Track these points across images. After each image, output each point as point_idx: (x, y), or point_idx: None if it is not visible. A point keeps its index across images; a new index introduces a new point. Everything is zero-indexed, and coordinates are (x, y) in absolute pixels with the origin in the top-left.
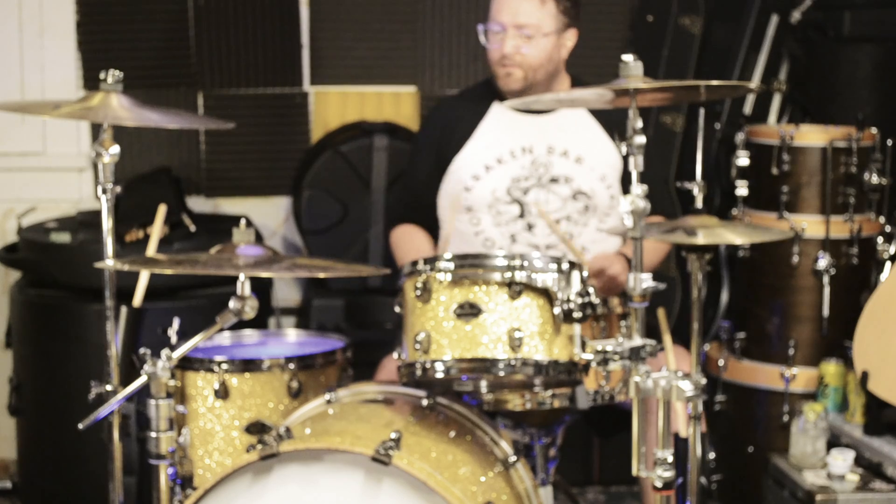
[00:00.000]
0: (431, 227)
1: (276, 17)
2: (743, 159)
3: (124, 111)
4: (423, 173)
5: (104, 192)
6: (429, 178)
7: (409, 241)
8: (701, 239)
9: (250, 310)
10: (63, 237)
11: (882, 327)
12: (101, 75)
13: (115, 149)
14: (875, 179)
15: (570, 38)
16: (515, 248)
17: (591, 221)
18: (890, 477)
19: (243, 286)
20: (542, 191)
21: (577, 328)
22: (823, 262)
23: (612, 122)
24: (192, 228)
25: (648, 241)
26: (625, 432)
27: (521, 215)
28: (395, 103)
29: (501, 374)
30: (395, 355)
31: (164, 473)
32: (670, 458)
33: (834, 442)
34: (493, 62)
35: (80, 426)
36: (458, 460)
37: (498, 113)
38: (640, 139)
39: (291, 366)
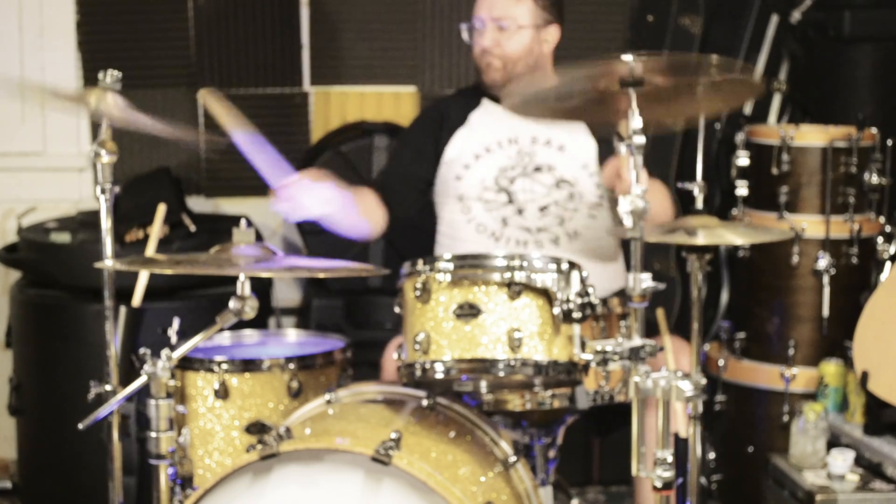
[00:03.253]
0: (393, 212)
1: (276, 17)
2: (743, 159)
3: (118, 111)
4: (410, 148)
5: (104, 192)
6: (416, 151)
7: (367, 198)
8: (701, 239)
9: (250, 310)
10: (63, 237)
11: (882, 327)
12: (100, 75)
13: (115, 148)
14: (875, 179)
15: (553, 33)
16: (507, 232)
17: (581, 207)
18: (890, 477)
19: (243, 286)
20: (527, 180)
21: (576, 328)
22: (823, 262)
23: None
24: (192, 228)
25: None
26: (624, 430)
27: (510, 201)
28: (395, 103)
29: (501, 374)
30: (395, 355)
31: (164, 473)
32: (670, 458)
33: (834, 442)
34: (475, 57)
35: (80, 426)
36: (458, 460)
37: (487, 106)
38: (640, 139)
39: (291, 366)
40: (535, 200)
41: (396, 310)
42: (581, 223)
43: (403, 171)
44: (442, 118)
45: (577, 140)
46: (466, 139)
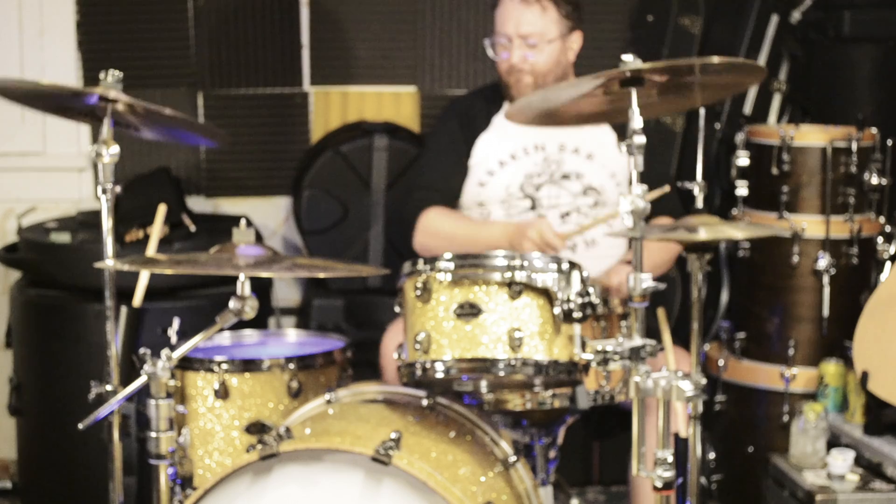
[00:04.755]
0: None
1: (276, 17)
2: (743, 159)
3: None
4: (447, 160)
5: (104, 192)
6: (453, 163)
7: (452, 215)
8: (703, 235)
9: (250, 310)
10: (63, 237)
11: (882, 327)
12: (101, 75)
13: (115, 149)
14: (875, 179)
15: (576, 40)
16: None
17: (601, 216)
18: (890, 477)
19: (243, 286)
20: (554, 187)
21: (577, 328)
22: (823, 262)
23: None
24: (192, 228)
25: (657, 243)
26: (623, 433)
27: (533, 208)
28: (395, 103)
29: (501, 374)
30: (395, 355)
31: (164, 473)
32: (670, 458)
33: (834, 442)
34: (502, 73)
35: (80, 426)
36: (458, 460)
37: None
38: (640, 139)
39: (291, 366)
40: (559, 207)
41: (397, 309)
42: (599, 232)
43: (439, 186)
44: (464, 122)
45: (606, 149)
46: (491, 145)
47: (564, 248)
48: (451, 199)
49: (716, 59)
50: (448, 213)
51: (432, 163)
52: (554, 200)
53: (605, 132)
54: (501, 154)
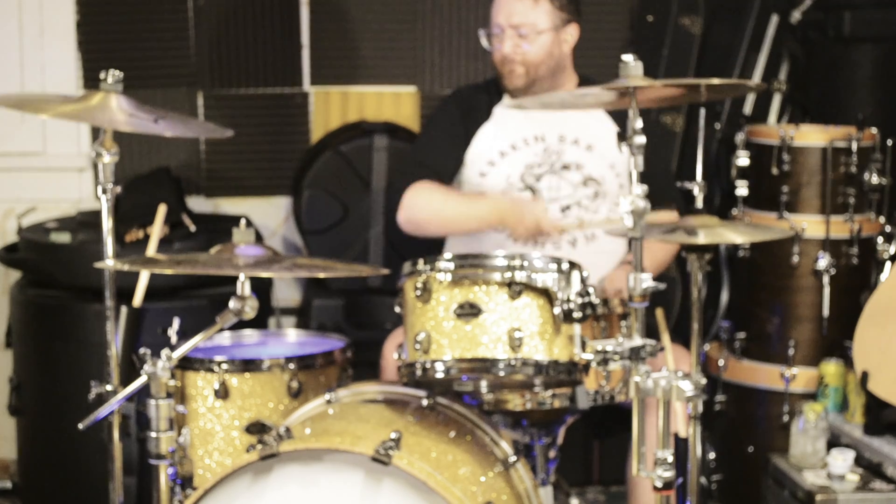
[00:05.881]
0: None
1: (276, 17)
2: (743, 159)
3: (123, 115)
4: (443, 143)
5: (104, 192)
6: (449, 148)
7: (441, 189)
8: (702, 238)
9: (250, 310)
10: (63, 237)
11: (882, 327)
12: (101, 75)
13: (115, 149)
14: (875, 179)
15: (572, 32)
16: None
17: (602, 208)
18: (890, 477)
19: (243, 286)
20: (554, 177)
21: (577, 328)
22: (823, 262)
23: (622, 114)
24: (192, 228)
25: (657, 242)
26: (623, 433)
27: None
28: (395, 103)
29: (501, 374)
30: (395, 355)
31: (164, 473)
32: (670, 458)
33: (834, 442)
34: (496, 63)
35: (80, 426)
36: (458, 460)
37: (509, 101)
38: (640, 139)
39: (291, 366)
40: (559, 200)
41: (397, 309)
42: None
43: (433, 165)
44: (465, 112)
45: (606, 140)
46: (491, 136)
47: (556, 241)
48: (442, 179)
49: (715, 81)
50: (437, 187)
51: (428, 143)
52: (554, 192)
53: (604, 123)
54: (502, 145)
